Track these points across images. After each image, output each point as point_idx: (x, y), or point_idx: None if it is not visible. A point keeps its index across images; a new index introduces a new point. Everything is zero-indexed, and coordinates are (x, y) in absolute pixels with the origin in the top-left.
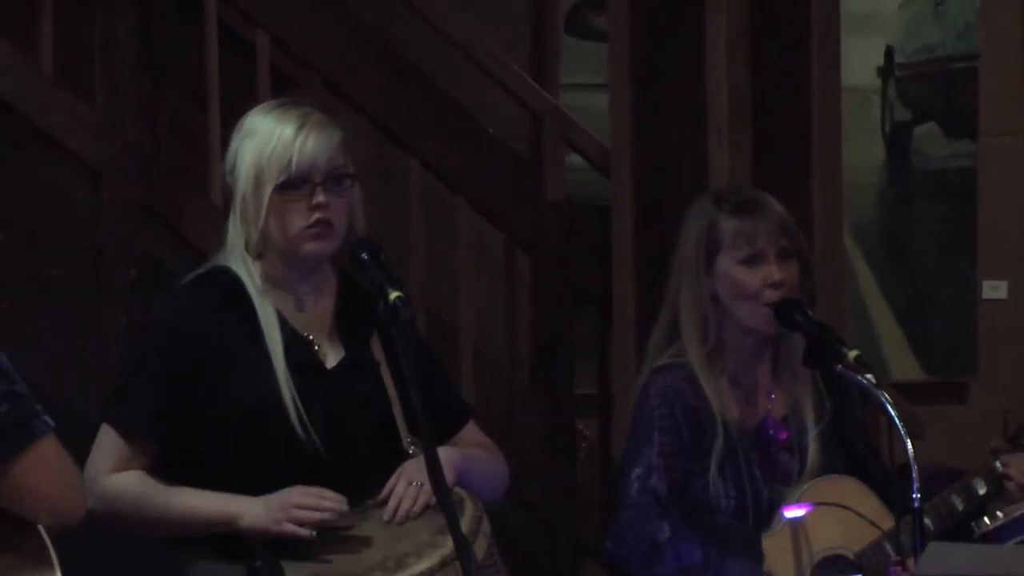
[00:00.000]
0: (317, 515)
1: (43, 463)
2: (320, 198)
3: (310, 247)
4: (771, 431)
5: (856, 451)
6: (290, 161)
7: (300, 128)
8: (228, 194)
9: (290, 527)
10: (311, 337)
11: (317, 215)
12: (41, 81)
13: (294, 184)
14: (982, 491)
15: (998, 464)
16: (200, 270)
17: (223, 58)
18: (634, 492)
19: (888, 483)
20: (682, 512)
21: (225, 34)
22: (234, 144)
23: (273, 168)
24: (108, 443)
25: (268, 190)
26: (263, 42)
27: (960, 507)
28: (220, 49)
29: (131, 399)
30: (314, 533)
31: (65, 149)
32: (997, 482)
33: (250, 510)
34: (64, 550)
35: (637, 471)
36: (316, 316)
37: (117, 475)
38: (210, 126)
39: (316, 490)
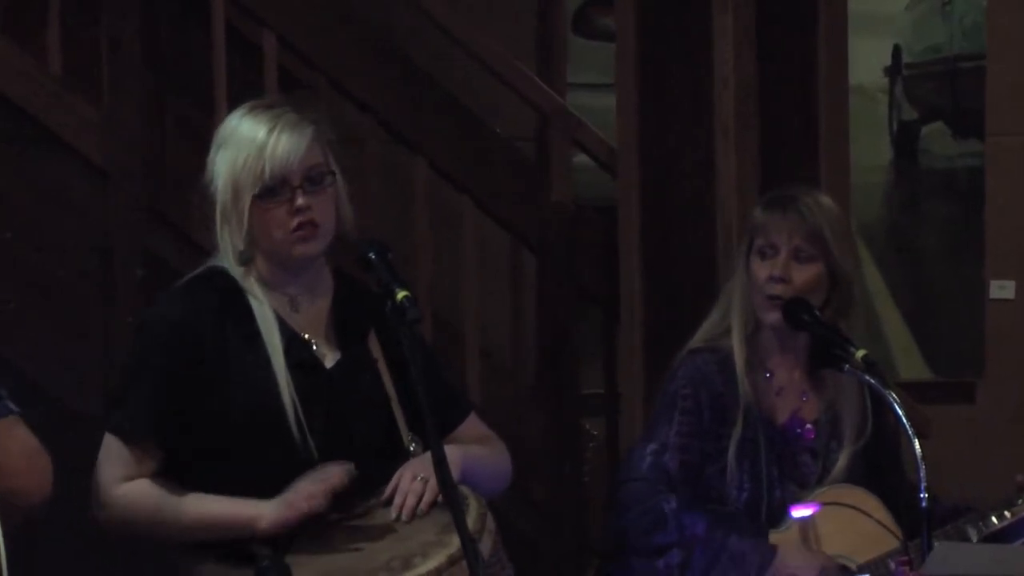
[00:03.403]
0: (328, 484)
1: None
2: (300, 201)
3: (298, 249)
4: (797, 430)
5: (885, 478)
6: (263, 170)
7: (270, 132)
8: (211, 203)
9: (306, 504)
10: (308, 337)
11: (299, 218)
12: (48, 82)
13: (271, 191)
14: (1000, 525)
15: (1021, 501)
16: (196, 272)
17: (229, 59)
18: (646, 467)
19: (907, 508)
20: (692, 494)
21: (231, 35)
22: (211, 154)
23: (248, 178)
24: (113, 452)
25: (247, 200)
26: (270, 43)
27: (974, 539)
28: (226, 50)
29: (130, 404)
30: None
31: (71, 149)
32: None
33: (266, 510)
34: (67, 552)
35: (652, 447)
36: (312, 316)
37: (127, 485)
38: (216, 127)
39: (318, 472)
